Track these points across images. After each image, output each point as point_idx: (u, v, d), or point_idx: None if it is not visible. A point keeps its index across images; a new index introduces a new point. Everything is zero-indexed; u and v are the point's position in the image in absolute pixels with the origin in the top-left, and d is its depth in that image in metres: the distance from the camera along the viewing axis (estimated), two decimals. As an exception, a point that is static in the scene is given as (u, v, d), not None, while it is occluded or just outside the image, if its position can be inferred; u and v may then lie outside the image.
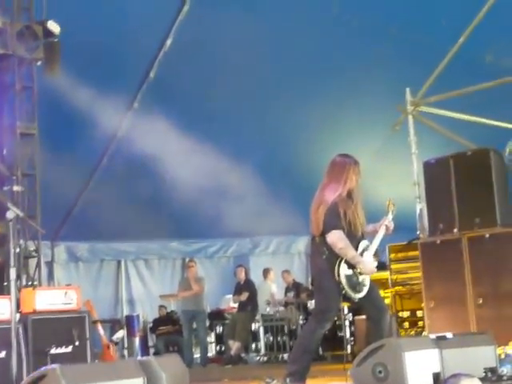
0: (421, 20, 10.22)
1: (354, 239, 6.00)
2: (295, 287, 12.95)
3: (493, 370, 5.75)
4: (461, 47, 9.03)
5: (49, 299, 7.89)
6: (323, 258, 5.95)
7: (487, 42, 10.46)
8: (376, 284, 6.47)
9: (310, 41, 10.49)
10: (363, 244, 6.09)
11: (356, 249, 6.00)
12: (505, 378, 5.71)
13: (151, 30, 10.24)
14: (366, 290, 6.03)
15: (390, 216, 6.26)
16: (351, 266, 5.94)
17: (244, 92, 11.12)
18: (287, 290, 13.14)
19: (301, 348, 6.06)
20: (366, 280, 6.04)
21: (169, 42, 10.22)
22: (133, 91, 11.15)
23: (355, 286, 5.97)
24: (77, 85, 10.25)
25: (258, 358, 12.43)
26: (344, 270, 5.91)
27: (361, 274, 5.98)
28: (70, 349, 7.81)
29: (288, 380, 5.86)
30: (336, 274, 5.88)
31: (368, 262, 6.02)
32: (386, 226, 6.17)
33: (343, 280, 5.90)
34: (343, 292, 5.92)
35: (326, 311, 6.03)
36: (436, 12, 10.22)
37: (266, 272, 13.79)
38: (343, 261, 5.91)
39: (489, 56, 10.99)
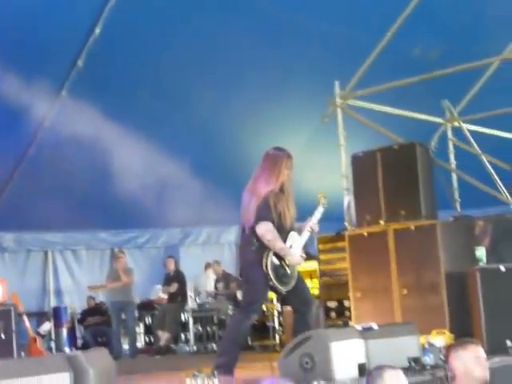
0: (349, 14, 10.33)
1: (284, 231, 6.05)
2: (225, 278, 13.00)
3: (416, 360, 5.90)
4: (389, 41, 9.15)
5: (-27, 292, 7.76)
6: (252, 250, 5.99)
7: (415, 36, 10.64)
8: (305, 274, 6.55)
9: (237, 35, 10.47)
10: (292, 236, 6.14)
11: (285, 241, 6.06)
12: (428, 367, 5.86)
13: (79, 17, 10.07)
14: (293, 282, 6.09)
15: (321, 209, 6.34)
16: (279, 257, 6.00)
17: (173, 86, 11.07)
18: (217, 280, 13.17)
19: (228, 340, 6.09)
20: (293, 272, 6.11)
21: (97, 30, 10.07)
22: (60, 79, 10.96)
23: (282, 277, 6.03)
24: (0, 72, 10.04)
25: (187, 348, 12.43)
26: (272, 262, 5.97)
27: (288, 265, 6.04)
28: (-5, 342, 7.70)
29: (216, 372, 5.88)
30: (264, 266, 5.93)
31: (296, 254, 6.08)
32: (311, 227, 6.22)
33: (271, 272, 5.95)
34: (270, 284, 5.97)
35: (253, 303, 6.07)
36: (365, 6, 10.34)
37: (207, 265, 13.83)
38: (271, 252, 5.97)
39: (416, 50, 11.18)
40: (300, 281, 6.18)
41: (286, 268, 6.05)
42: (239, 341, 6.10)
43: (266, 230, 5.91)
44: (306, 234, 6.23)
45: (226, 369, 5.92)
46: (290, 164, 6.14)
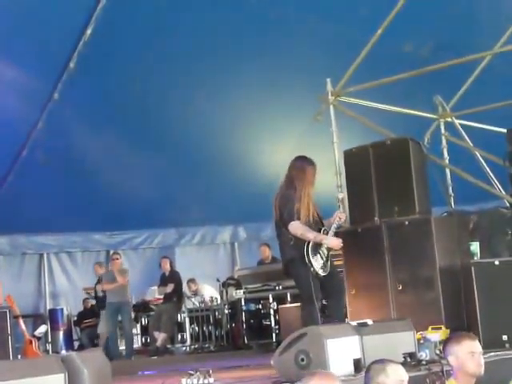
0: (339, 10, 10.32)
1: (314, 226, 6.62)
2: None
3: (412, 355, 5.90)
4: (380, 37, 9.12)
5: (-33, 295, 7.74)
6: (291, 245, 6.53)
7: (406, 32, 10.63)
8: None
9: (223, 33, 10.48)
10: (322, 229, 6.72)
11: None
12: (423, 362, 5.85)
13: (70, 18, 10.06)
14: (329, 268, 6.63)
15: (335, 225, 6.82)
16: (316, 246, 6.52)
17: (164, 84, 11.07)
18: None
19: None
20: (328, 260, 6.65)
21: (88, 31, 10.06)
22: (52, 81, 10.94)
23: (323, 266, 6.57)
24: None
25: (183, 348, 12.41)
26: (312, 253, 6.47)
27: (324, 253, 6.57)
28: (-10, 345, 7.67)
29: None
30: (306, 259, 6.44)
31: (332, 237, 6.65)
32: (339, 217, 6.83)
33: (314, 262, 6.48)
34: (314, 273, 6.47)
35: (311, 294, 6.45)
36: (355, 2, 10.33)
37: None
38: (309, 245, 6.47)
39: (407, 46, 11.18)
40: (335, 269, 6.79)
41: (323, 255, 6.58)
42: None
43: (296, 227, 6.48)
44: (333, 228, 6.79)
45: None
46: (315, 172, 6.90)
